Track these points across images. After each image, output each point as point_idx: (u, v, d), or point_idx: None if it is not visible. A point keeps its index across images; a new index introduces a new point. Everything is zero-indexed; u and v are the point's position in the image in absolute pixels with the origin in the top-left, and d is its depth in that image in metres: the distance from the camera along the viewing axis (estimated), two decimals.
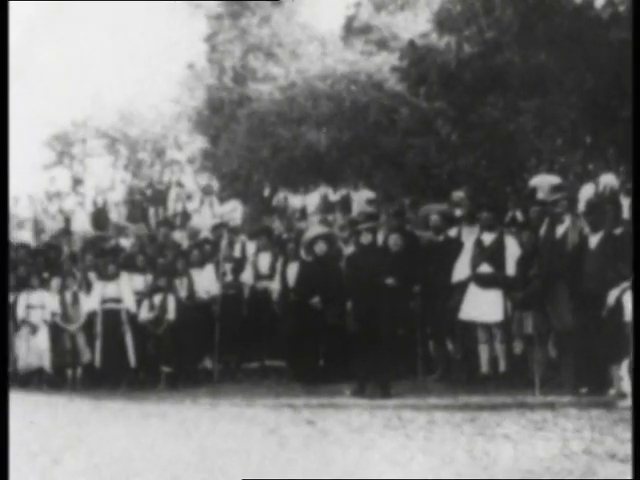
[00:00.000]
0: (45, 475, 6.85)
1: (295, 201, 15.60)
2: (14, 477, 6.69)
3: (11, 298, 12.28)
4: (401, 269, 10.23)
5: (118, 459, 7.18)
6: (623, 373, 8.16)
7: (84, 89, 24.48)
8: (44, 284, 12.55)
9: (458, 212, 11.70)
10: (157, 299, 11.97)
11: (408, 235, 11.13)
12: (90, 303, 12.27)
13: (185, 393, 10.95)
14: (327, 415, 8.67)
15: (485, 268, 10.05)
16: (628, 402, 7.79)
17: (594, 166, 13.38)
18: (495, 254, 10.05)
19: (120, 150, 24.95)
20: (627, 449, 6.44)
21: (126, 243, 13.92)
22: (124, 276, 12.37)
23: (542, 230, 10.02)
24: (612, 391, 8.52)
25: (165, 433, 8.27)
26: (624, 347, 7.92)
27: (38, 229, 16.06)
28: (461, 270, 10.22)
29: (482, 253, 10.11)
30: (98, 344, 12.10)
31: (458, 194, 12.55)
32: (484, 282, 10.01)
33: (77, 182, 21.08)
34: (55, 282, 12.50)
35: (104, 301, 12.18)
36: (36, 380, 12.19)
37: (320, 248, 11.30)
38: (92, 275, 12.75)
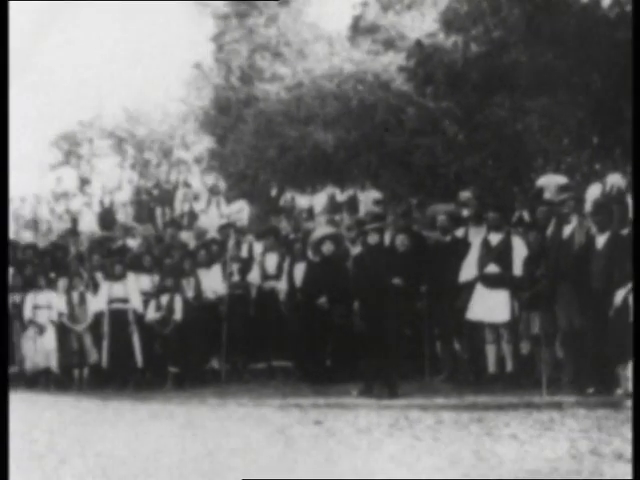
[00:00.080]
0: (52, 475, 6.86)
1: (302, 201, 15.56)
2: (21, 478, 6.71)
3: (18, 298, 12.34)
4: (408, 269, 10.26)
5: (125, 459, 7.19)
6: (630, 373, 8.15)
7: (91, 89, 24.46)
8: (51, 284, 12.57)
9: (465, 212, 11.70)
10: (164, 299, 11.97)
11: (415, 235, 11.13)
12: (97, 303, 12.28)
13: (192, 393, 10.94)
14: (334, 415, 8.67)
15: (492, 268, 10.05)
16: None
17: (601, 166, 13.39)
18: (502, 254, 10.05)
19: (127, 150, 24.98)
20: None
21: (133, 243, 13.89)
22: (131, 276, 12.37)
23: (549, 230, 10.02)
24: (619, 391, 8.53)
25: (172, 433, 8.27)
26: (631, 347, 7.90)
27: (45, 229, 16.09)
28: (468, 270, 10.22)
29: (489, 253, 10.11)
30: (105, 344, 12.10)
31: (465, 194, 12.54)
32: (491, 282, 10.01)
33: (84, 182, 21.03)
34: (62, 282, 12.52)
35: (111, 301, 12.18)
36: (43, 380, 12.19)
37: (327, 248, 11.28)
38: (99, 275, 12.76)
